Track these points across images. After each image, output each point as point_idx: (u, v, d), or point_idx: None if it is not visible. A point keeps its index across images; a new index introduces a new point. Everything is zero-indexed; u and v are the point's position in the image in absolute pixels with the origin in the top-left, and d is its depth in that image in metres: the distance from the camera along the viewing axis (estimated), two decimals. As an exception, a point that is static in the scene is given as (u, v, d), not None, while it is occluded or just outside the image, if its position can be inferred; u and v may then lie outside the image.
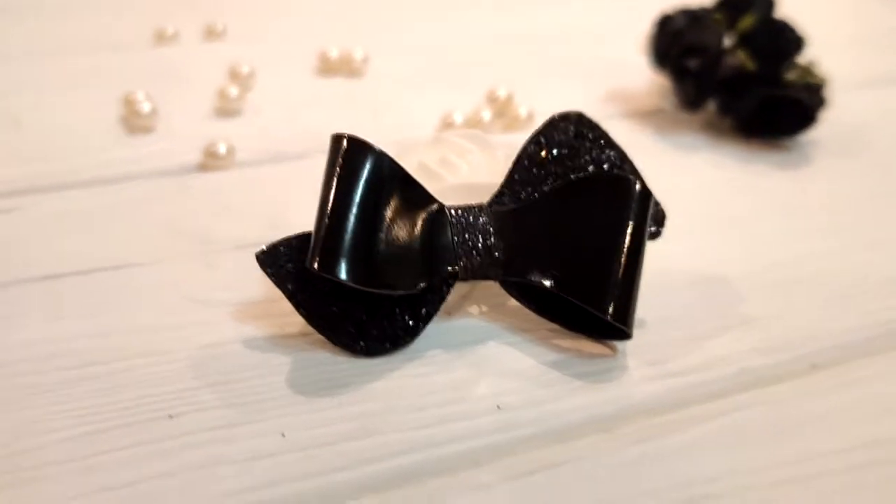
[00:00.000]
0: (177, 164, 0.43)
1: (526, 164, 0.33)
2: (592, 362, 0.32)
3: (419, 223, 0.31)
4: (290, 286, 0.30)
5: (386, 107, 0.50)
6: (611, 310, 0.31)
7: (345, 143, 0.30)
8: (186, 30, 0.58)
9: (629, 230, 0.31)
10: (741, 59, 0.46)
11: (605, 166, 0.33)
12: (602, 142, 0.33)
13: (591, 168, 0.33)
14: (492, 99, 0.49)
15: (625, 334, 0.31)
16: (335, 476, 0.27)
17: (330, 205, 0.30)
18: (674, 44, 0.48)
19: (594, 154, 0.33)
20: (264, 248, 0.31)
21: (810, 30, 0.48)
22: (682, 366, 0.32)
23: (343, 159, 0.30)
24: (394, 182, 0.31)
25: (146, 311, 0.32)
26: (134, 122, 0.45)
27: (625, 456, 0.28)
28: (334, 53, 0.54)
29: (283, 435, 0.28)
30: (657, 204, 0.33)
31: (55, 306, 0.32)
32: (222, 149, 0.43)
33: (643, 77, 0.53)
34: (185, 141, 0.44)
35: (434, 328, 0.32)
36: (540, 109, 0.49)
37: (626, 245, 0.31)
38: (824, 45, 0.51)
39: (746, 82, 0.46)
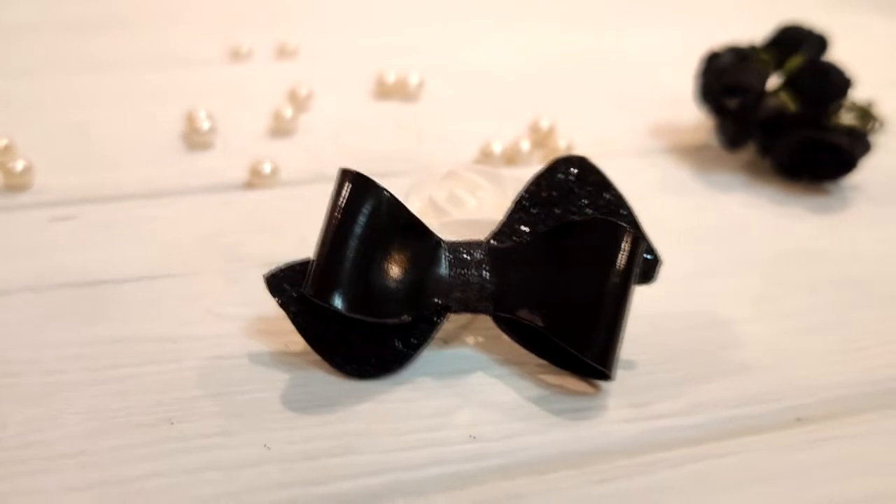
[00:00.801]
0: (225, 181, 0.46)
1: (526, 204, 0.34)
2: (574, 399, 0.33)
3: (415, 257, 0.33)
4: (292, 308, 0.33)
5: (431, 133, 0.52)
6: (593, 351, 0.32)
7: (350, 178, 0.33)
8: (260, 47, 0.61)
9: (617, 275, 0.32)
10: (783, 99, 0.46)
11: (601, 211, 0.34)
12: (601, 186, 0.34)
13: (588, 211, 0.34)
14: (534, 129, 0.51)
15: (607, 375, 0.32)
16: (310, 489, 0.29)
17: (330, 236, 0.32)
18: (716, 82, 0.48)
19: (592, 198, 0.34)
20: (272, 270, 0.33)
21: (864, 72, 0.47)
22: (663, 409, 0.32)
23: (347, 194, 0.32)
24: (393, 218, 0.33)
25: (167, 321, 0.35)
26: (193, 138, 0.49)
27: (587, 493, 0.29)
28: (391, 77, 0.56)
29: (268, 447, 0.30)
30: (651, 251, 0.34)
31: (89, 311, 0.36)
32: (267, 168, 0.45)
33: (693, 112, 0.53)
34: (237, 159, 0.47)
35: (428, 355, 0.34)
36: (583, 140, 0.51)
37: (613, 289, 0.32)
38: (877, 87, 0.50)
39: (787, 124, 0.46)
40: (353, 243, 0.32)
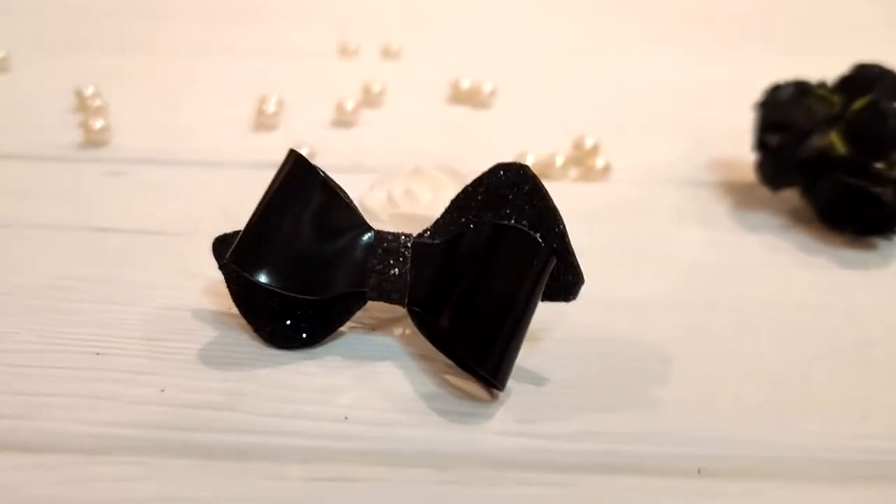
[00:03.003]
0: (270, 161, 0.49)
1: (460, 205, 0.34)
2: (464, 403, 0.33)
3: (341, 241, 0.34)
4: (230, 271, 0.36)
5: (483, 139, 0.53)
6: (488, 362, 0.32)
7: (292, 158, 0.35)
8: (368, 46, 0.65)
9: (524, 289, 0.32)
10: (832, 141, 0.42)
11: (526, 221, 0.33)
12: (536, 196, 0.33)
13: (513, 219, 0.33)
14: (576, 146, 0.50)
15: (496, 386, 0.32)
16: (178, 434, 0.31)
17: (260, 210, 0.34)
18: (763, 116, 0.45)
19: (525, 207, 0.33)
20: (222, 235, 0.36)
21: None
22: (546, 430, 0.32)
23: (285, 172, 0.35)
24: (326, 201, 0.34)
25: (146, 272, 0.39)
26: (260, 120, 0.53)
27: (430, 492, 0.29)
28: (466, 83, 0.57)
29: (163, 391, 0.33)
30: (574, 270, 0.33)
31: (87, 252, 0.40)
32: (303, 151, 0.48)
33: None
34: (292, 143, 0.51)
35: (349, 337, 0.36)
36: (625, 163, 0.49)
37: (518, 303, 0.32)
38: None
39: (829, 167, 0.42)
40: (280, 219, 0.34)
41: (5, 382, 0.33)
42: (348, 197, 0.35)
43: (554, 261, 0.32)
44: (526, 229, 0.33)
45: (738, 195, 0.47)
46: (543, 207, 0.34)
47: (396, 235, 0.35)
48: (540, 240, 0.32)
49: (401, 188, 0.37)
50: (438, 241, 0.34)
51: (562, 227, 0.33)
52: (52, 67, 0.59)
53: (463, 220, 0.34)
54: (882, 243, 0.43)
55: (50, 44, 0.64)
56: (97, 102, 0.53)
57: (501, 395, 0.33)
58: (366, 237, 0.35)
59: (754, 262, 0.42)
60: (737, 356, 0.35)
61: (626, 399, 0.33)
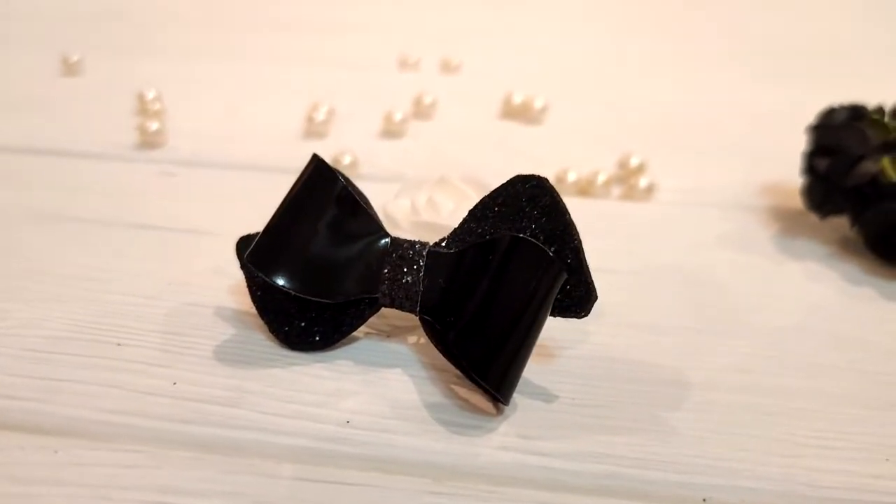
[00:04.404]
0: (314, 167, 0.50)
1: (477, 216, 0.34)
2: (468, 416, 0.32)
3: (357, 246, 0.34)
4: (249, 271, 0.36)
5: (526, 154, 0.52)
6: (492, 375, 0.31)
7: (314, 163, 0.35)
8: (428, 59, 0.65)
9: (531, 301, 0.31)
10: (884, 167, 0.40)
11: (541, 234, 0.32)
12: (553, 211, 0.33)
13: (529, 232, 0.33)
14: (622, 164, 0.49)
15: (500, 400, 0.31)
16: (180, 426, 0.32)
17: (280, 212, 0.35)
18: (813, 140, 0.43)
19: (542, 220, 0.33)
20: (246, 235, 0.37)
21: None
22: (548, 448, 0.31)
23: (306, 176, 0.35)
24: (345, 207, 0.34)
25: (177, 267, 0.40)
26: (310, 127, 0.54)
27: (411, 501, 0.29)
28: (519, 98, 0.57)
29: (175, 383, 0.33)
30: (587, 285, 0.32)
31: (121, 246, 0.42)
32: (346, 160, 0.49)
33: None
34: (338, 150, 0.51)
35: (363, 343, 0.36)
36: (671, 184, 0.48)
37: (527, 318, 0.31)
38: None
39: (879, 194, 0.40)
40: (298, 222, 0.34)
41: (28, 366, 0.34)
42: (368, 203, 0.35)
43: (564, 276, 0.32)
44: (538, 243, 0.32)
45: (785, 221, 0.45)
46: (560, 221, 0.33)
47: (412, 243, 0.34)
48: (552, 254, 0.32)
49: (424, 197, 0.37)
50: (452, 251, 0.34)
51: (577, 242, 0.33)
52: (120, 71, 0.62)
53: (479, 230, 0.34)
54: (936, 277, 0.41)
55: (120, 49, 0.67)
56: (156, 106, 0.55)
57: (507, 409, 0.32)
58: (381, 243, 0.34)
59: (791, 290, 0.40)
60: (758, 388, 0.34)
61: (635, 422, 0.32)
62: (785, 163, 0.49)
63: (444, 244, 0.34)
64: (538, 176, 0.34)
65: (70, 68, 0.61)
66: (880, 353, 0.36)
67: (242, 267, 0.36)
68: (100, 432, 0.31)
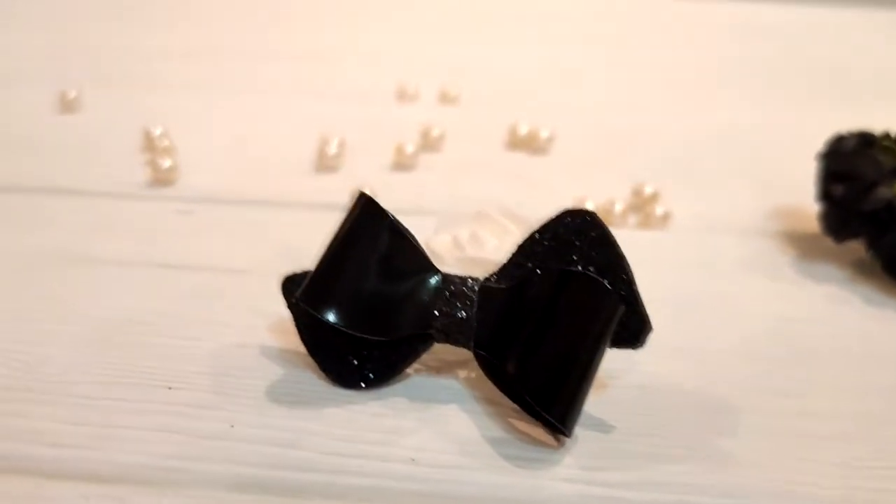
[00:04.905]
0: (332, 202, 0.50)
1: (526, 251, 0.35)
2: (530, 449, 0.33)
3: (408, 282, 0.35)
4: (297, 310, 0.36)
5: (541, 185, 0.53)
6: (556, 408, 0.32)
7: (362, 201, 0.35)
8: (426, 91, 0.66)
9: (593, 336, 0.32)
10: (898, 193, 0.42)
11: (593, 267, 0.33)
12: (602, 243, 0.34)
13: (579, 266, 0.33)
14: (636, 193, 0.50)
15: (564, 432, 0.32)
16: (242, 469, 0.31)
17: (331, 251, 0.35)
18: (827, 167, 0.45)
19: (591, 253, 0.34)
20: (291, 274, 0.37)
21: None
22: (612, 479, 0.31)
23: (357, 214, 0.35)
24: (395, 243, 0.35)
25: (213, 309, 0.40)
26: (323, 161, 0.54)
27: (490, 538, 0.29)
28: (524, 129, 0.58)
29: (232, 426, 0.33)
30: (641, 316, 0.33)
31: (155, 288, 0.41)
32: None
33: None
34: (353, 184, 0.52)
35: (414, 380, 0.36)
36: (687, 212, 0.49)
37: (587, 350, 0.32)
38: None
39: (895, 219, 0.42)
40: (349, 260, 0.35)
41: (76, 413, 0.34)
42: (416, 240, 0.36)
43: (622, 308, 0.32)
44: (594, 276, 0.33)
45: (800, 247, 0.47)
46: (611, 254, 0.34)
47: (463, 279, 0.35)
48: (609, 286, 0.32)
49: (466, 232, 0.38)
50: (504, 286, 0.34)
51: (629, 274, 0.34)
52: (120, 107, 0.61)
53: (529, 264, 0.35)
54: (952, 298, 0.42)
55: (117, 84, 0.66)
56: (164, 143, 0.54)
57: (568, 441, 0.33)
58: (433, 280, 0.35)
59: (820, 314, 0.41)
60: (806, 411, 0.35)
61: (693, 450, 0.33)
62: (794, 187, 0.50)
63: (493, 279, 0.35)
64: (586, 210, 0.34)
65: (68, 105, 0.61)
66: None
67: (290, 306, 0.36)
68: (161, 479, 0.31)
